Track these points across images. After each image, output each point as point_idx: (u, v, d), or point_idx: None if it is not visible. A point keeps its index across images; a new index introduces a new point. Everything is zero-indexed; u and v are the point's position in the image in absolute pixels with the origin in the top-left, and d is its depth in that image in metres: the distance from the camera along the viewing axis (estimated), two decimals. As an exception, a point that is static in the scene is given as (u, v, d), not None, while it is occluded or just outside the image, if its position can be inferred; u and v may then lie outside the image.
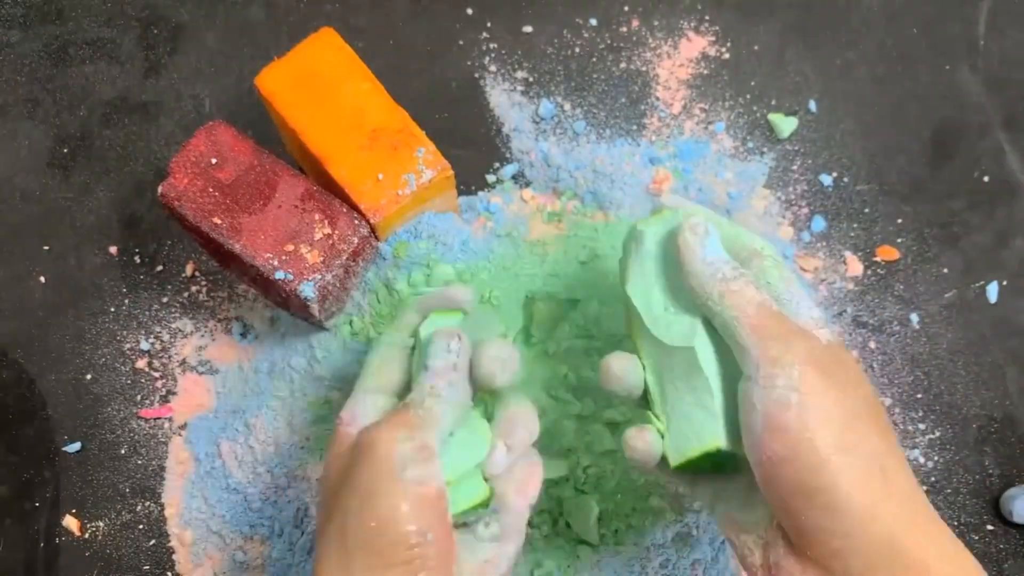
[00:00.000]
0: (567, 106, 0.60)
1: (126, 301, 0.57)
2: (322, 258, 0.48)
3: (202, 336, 0.56)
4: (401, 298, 0.51)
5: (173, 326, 0.56)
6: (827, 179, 0.58)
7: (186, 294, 0.57)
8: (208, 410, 0.54)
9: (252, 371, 0.54)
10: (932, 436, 0.54)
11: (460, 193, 0.57)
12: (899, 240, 0.57)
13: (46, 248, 0.58)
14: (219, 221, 0.48)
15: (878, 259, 0.57)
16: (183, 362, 0.56)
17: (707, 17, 0.62)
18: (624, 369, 0.40)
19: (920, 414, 0.54)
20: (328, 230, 0.48)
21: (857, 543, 0.33)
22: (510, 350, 0.40)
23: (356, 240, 0.49)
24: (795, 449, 0.33)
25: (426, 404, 0.37)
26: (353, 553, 0.34)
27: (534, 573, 0.50)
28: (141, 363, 0.56)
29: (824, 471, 0.33)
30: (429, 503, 0.35)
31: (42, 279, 0.57)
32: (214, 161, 0.49)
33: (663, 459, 0.39)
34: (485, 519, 0.39)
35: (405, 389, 0.42)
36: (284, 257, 0.48)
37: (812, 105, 0.60)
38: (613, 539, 0.50)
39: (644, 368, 0.40)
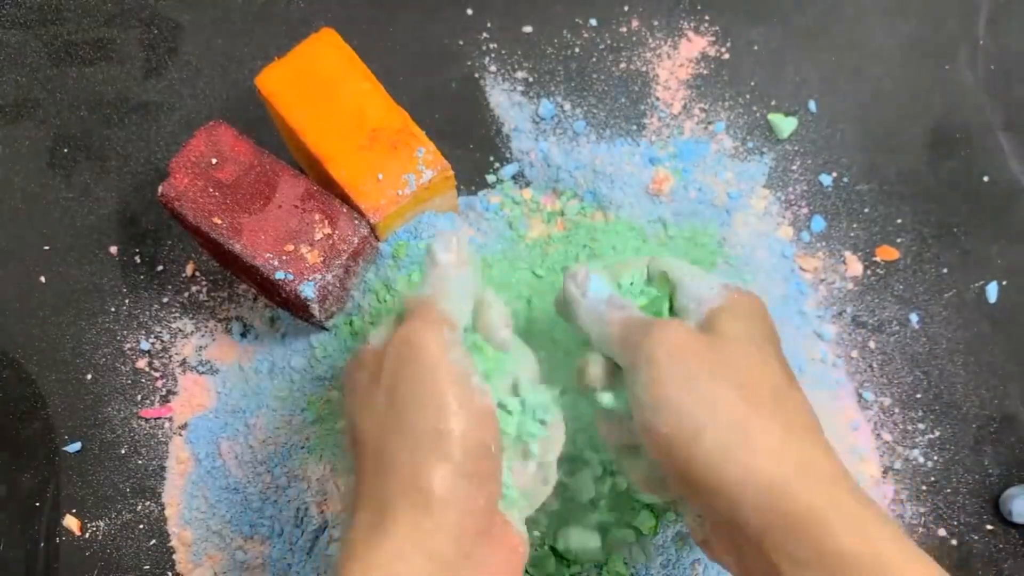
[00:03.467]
0: (567, 106, 0.60)
1: (126, 301, 0.57)
2: (322, 258, 0.48)
3: (202, 336, 0.56)
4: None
5: (173, 326, 0.56)
6: (827, 179, 0.58)
7: (186, 294, 0.57)
8: (208, 410, 0.54)
9: (252, 371, 0.54)
10: (932, 436, 0.54)
11: (460, 193, 0.57)
12: (899, 240, 0.57)
13: (46, 248, 0.58)
14: (219, 221, 0.48)
15: (878, 259, 0.57)
16: (183, 362, 0.56)
17: (707, 17, 0.62)
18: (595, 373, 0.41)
19: (920, 414, 0.54)
20: (328, 230, 0.48)
21: (739, 506, 0.34)
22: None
23: (356, 240, 0.49)
24: (658, 445, 0.35)
25: (445, 300, 0.38)
26: (421, 457, 0.34)
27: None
28: (141, 363, 0.56)
29: (681, 457, 0.35)
30: (488, 414, 0.36)
31: (42, 279, 0.57)
32: (214, 161, 0.49)
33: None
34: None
35: None
36: (284, 257, 0.48)
37: (812, 105, 0.60)
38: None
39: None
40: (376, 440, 0.36)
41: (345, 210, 0.49)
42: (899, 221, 0.58)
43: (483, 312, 0.40)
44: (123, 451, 0.54)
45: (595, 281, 0.40)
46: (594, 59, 0.61)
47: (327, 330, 0.53)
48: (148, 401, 0.55)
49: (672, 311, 0.41)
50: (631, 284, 0.43)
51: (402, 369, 0.36)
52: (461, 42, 0.61)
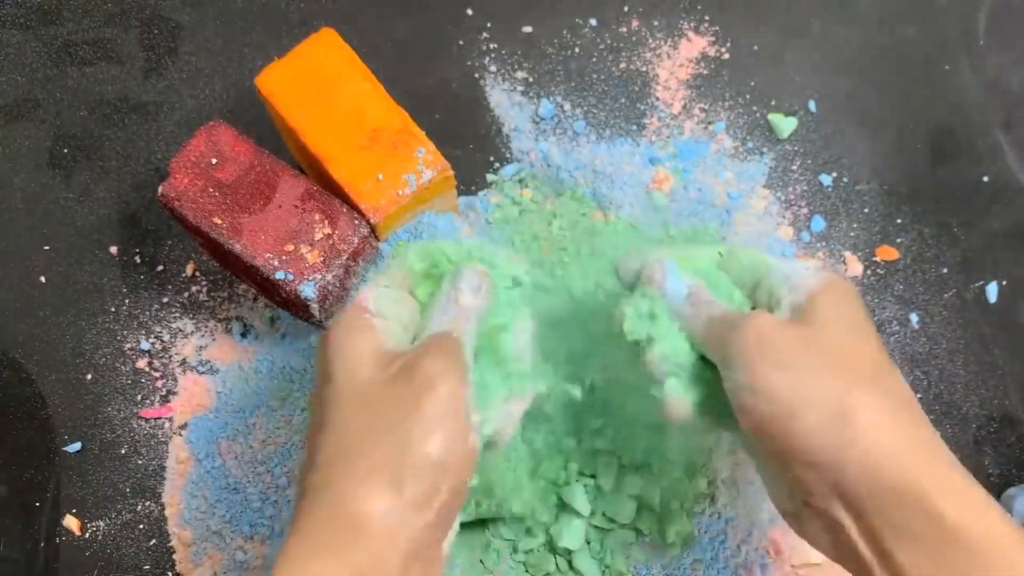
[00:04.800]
0: (567, 106, 0.60)
1: (126, 301, 0.57)
2: (322, 258, 0.48)
3: (202, 336, 0.56)
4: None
5: (173, 326, 0.56)
6: (827, 179, 0.58)
7: (186, 294, 0.57)
8: (208, 410, 0.54)
9: (252, 371, 0.54)
10: (932, 436, 0.54)
11: (460, 193, 0.57)
12: (899, 240, 0.57)
13: (46, 248, 0.58)
14: (219, 221, 0.48)
15: (878, 259, 0.57)
16: (183, 362, 0.56)
17: (707, 17, 0.62)
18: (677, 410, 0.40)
19: (920, 414, 0.54)
20: (328, 230, 0.48)
21: (839, 483, 0.34)
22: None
23: (356, 240, 0.49)
24: (756, 425, 0.36)
25: (458, 335, 0.38)
26: (405, 478, 0.34)
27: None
28: (141, 363, 0.56)
29: (785, 439, 0.35)
30: (474, 453, 0.36)
31: (42, 279, 0.57)
32: (214, 161, 0.49)
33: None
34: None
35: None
36: (284, 257, 0.48)
37: (812, 105, 0.60)
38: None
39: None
40: (356, 443, 0.35)
41: (345, 210, 0.49)
42: (899, 221, 0.58)
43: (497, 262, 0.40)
44: (123, 451, 0.54)
45: (672, 279, 0.40)
46: (594, 59, 0.61)
47: (327, 330, 0.53)
48: (148, 401, 0.55)
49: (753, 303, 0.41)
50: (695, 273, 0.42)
51: (415, 402, 0.35)
52: (461, 42, 0.61)
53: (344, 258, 0.48)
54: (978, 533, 0.33)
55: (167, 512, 0.53)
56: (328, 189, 0.50)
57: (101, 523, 0.53)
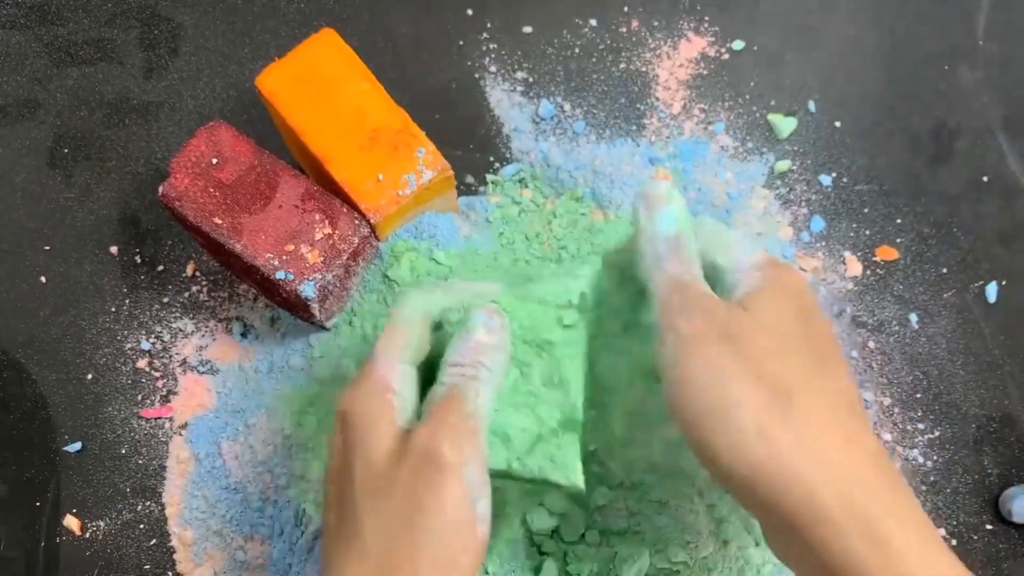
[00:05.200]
0: (567, 106, 0.60)
1: (126, 301, 0.57)
2: (322, 258, 0.48)
3: (202, 336, 0.56)
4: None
5: (174, 326, 0.56)
6: (827, 179, 0.58)
7: (187, 294, 0.57)
8: (208, 410, 0.54)
9: (252, 371, 0.54)
10: (931, 436, 0.54)
11: (460, 193, 0.57)
12: (898, 240, 0.57)
13: (46, 248, 0.58)
14: (220, 221, 0.48)
15: (877, 259, 0.57)
16: (183, 362, 0.56)
17: (707, 17, 0.62)
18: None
19: (919, 414, 0.54)
20: (328, 230, 0.48)
21: (764, 501, 0.33)
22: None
23: (356, 240, 0.49)
24: (679, 423, 0.34)
25: (473, 397, 0.37)
26: (413, 564, 0.34)
27: None
28: (142, 363, 0.56)
29: (702, 442, 0.34)
30: (483, 543, 0.36)
31: (42, 279, 0.57)
32: (214, 161, 0.49)
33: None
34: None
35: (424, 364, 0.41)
36: (285, 257, 0.48)
37: (812, 105, 0.60)
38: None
39: None
40: (373, 541, 0.35)
41: (345, 210, 0.49)
42: (899, 221, 0.58)
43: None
44: (123, 451, 0.54)
45: (667, 211, 0.38)
46: (594, 59, 0.61)
47: (327, 330, 0.53)
48: (148, 401, 0.55)
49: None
50: None
51: (426, 496, 0.35)
52: (461, 42, 0.61)
53: (344, 258, 0.48)
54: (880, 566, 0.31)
55: (167, 512, 0.53)
56: (328, 189, 0.50)
57: (101, 523, 0.53)
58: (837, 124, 0.60)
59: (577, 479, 0.39)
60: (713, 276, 0.38)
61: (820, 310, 0.37)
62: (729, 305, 0.36)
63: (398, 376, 0.38)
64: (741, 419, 0.33)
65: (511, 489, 0.50)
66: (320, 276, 0.48)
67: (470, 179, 0.58)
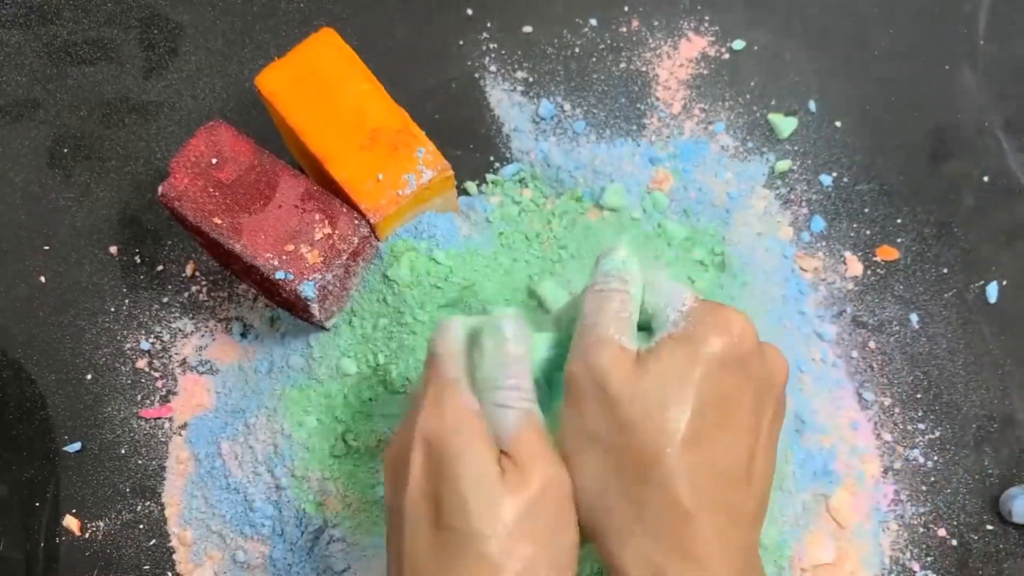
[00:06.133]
0: (567, 106, 0.60)
1: (126, 301, 0.57)
2: (322, 258, 0.48)
3: (202, 336, 0.56)
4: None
5: (173, 326, 0.56)
6: (827, 179, 0.58)
7: (186, 294, 0.57)
8: (208, 410, 0.54)
9: (252, 371, 0.54)
10: (932, 436, 0.54)
11: (460, 193, 0.57)
12: (899, 240, 0.57)
13: (46, 248, 0.58)
14: (219, 221, 0.48)
15: (878, 259, 0.57)
16: (183, 362, 0.56)
17: (707, 17, 0.62)
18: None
19: (920, 414, 0.54)
20: (328, 230, 0.48)
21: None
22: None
23: (356, 240, 0.49)
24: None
25: (505, 405, 0.36)
26: (444, 556, 0.34)
27: None
28: (141, 363, 0.56)
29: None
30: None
31: (42, 279, 0.57)
32: (214, 161, 0.49)
33: None
34: None
35: None
36: (284, 257, 0.48)
37: (812, 105, 0.60)
38: None
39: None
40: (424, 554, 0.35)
41: (345, 210, 0.49)
42: (899, 221, 0.58)
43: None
44: (123, 451, 0.54)
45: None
46: (594, 59, 0.61)
47: (327, 330, 0.53)
48: (148, 401, 0.55)
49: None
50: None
51: (556, 519, 0.35)
52: (461, 42, 0.61)
53: (344, 258, 0.48)
54: None
55: (167, 512, 0.53)
56: (328, 189, 0.50)
57: (101, 523, 0.53)
58: (837, 124, 0.60)
59: None
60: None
61: (745, 356, 0.35)
62: (627, 367, 0.35)
63: (473, 398, 0.37)
64: (606, 506, 0.34)
65: None
66: (320, 276, 0.48)
67: (470, 179, 0.58)
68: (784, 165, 0.58)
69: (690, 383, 0.33)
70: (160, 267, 0.58)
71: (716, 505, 0.33)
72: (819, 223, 0.57)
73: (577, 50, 0.61)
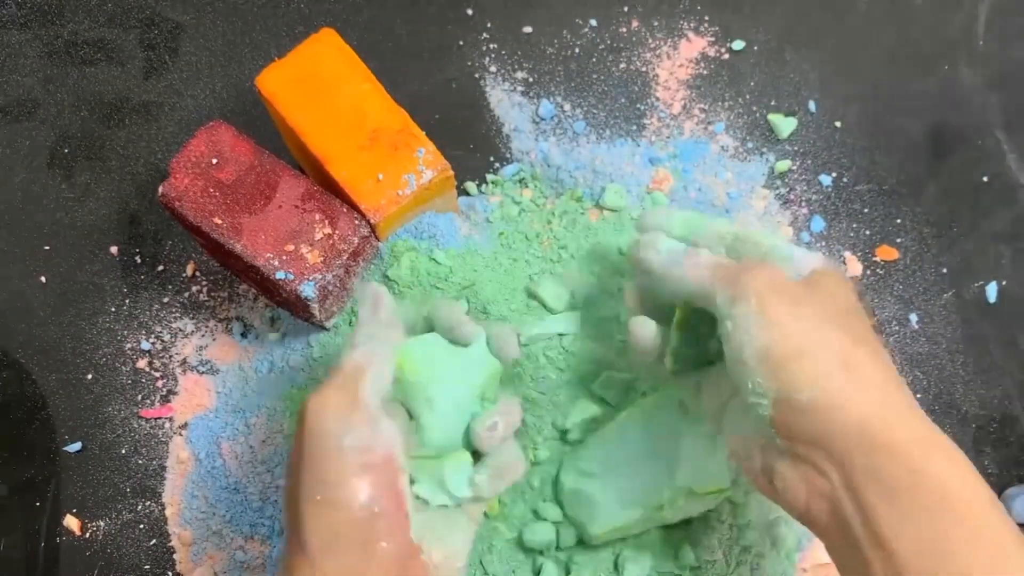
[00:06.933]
0: (567, 106, 0.60)
1: (127, 301, 0.57)
2: (322, 258, 0.48)
3: (202, 336, 0.56)
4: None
5: (174, 326, 0.56)
6: (826, 179, 0.58)
7: (187, 294, 0.57)
8: (208, 410, 0.54)
9: (252, 371, 0.54)
10: (932, 436, 0.54)
11: (460, 193, 0.57)
12: (898, 240, 0.57)
13: (46, 248, 0.58)
14: (219, 221, 0.48)
15: (877, 259, 0.57)
16: (184, 362, 0.56)
17: (707, 17, 0.62)
18: (642, 332, 0.43)
19: (920, 414, 0.54)
20: (328, 230, 0.48)
21: (830, 431, 0.35)
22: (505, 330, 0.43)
23: (356, 240, 0.49)
24: (767, 363, 0.36)
25: (355, 356, 0.38)
26: (309, 533, 0.35)
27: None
28: (142, 363, 0.56)
29: (786, 376, 0.35)
30: (375, 471, 0.36)
31: (42, 279, 0.57)
32: (214, 161, 0.49)
33: (667, 359, 0.43)
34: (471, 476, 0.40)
35: None
36: (284, 257, 0.48)
37: (812, 105, 0.60)
38: None
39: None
40: (285, 517, 0.37)
41: (345, 210, 0.49)
42: (899, 221, 0.58)
43: (439, 314, 0.41)
44: (123, 451, 0.54)
45: (662, 236, 0.43)
46: (594, 59, 0.61)
47: (327, 330, 0.53)
48: (148, 401, 0.55)
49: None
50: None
51: (298, 441, 0.36)
52: (461, 42, 0.61)
53: (344, 258, 0.48)
54: (962, 496, 0.33)
55: (167, 512, 0.53)
56: (328, 189, 0.50)
57: (101, 523, 0.53)
58: (837, 124, 0.60)
59: None
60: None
61: (863, 311, 0.40)
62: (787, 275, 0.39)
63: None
64: (829, 355, 0.35)
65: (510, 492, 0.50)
66: (320, 276, 0.48)
67: (470, 179, 0.58)
68: (784, 165, 0.58)
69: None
70: (160, 267, 0.58)
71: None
72: (819, 223, 0.57)
73: (577, 50, 0.61)
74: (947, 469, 0.34)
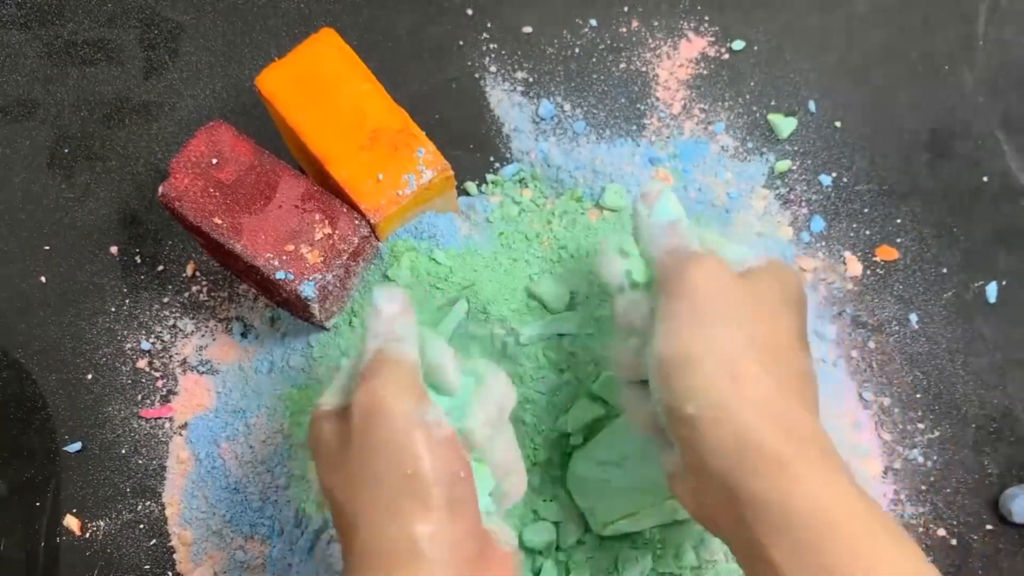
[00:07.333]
0: (567, 106, 0.60)
1: (126, 301, 0.57)
2: (322, 258, 0.48)
3: (202, 336, 0.56)
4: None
5: (174, 326, 0.56)
6: (826, 179, 0.58)
7: (187, 294, 0.57)
8: (208, 410, 0.54)
9: (252, 371, 0.54)
10: (931, 436, 0.54)
11: (460, 193, 0.57)
12: (898, 240, 0.57)
13: (46, 248, 0.58)
14: (219, 221, 0.48)
15: (877, 259, 0.57)
16: (184, 362, 0.56)
17: (707, 17, 0.62)
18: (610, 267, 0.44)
19: (919, 414, 0.54)
20: (328, 230, 0.48)
21: (713, 447, 0.35)
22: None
23: (356, 240, 0.49)
24: (655, 368, 0.37)
25: (396, 350, 0.38)
26: (398, 505, 0.35)
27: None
28: (142, 363, 0.56)
29: (674, 386, 0.36)
30: (451, 444, 0.37)
31: (42, 279, 0.57)
32: (214, 161, 0.49)
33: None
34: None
35: None
36: (284, 257, 0.48)
37: (812, 105, 0.60)
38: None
39: None
40: (354, 501, 0.36)
41: (345, 210, 0.49)
42: (899, 221, 0.58)
43: (425, 348, 0.41)
44: (123, 451, 0.54)
45: (662, 204, 0.42)
46: (594, 59, 0.61)
47: (327, 330, 0.53)
48: (148, 401, 0.55)
49: None
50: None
51: (370, 427, 0.36)
52: (461, 42, 0.61)
53: (344, 258, 0.48)
54: (833, 510, 0.33)
55: (167, 512, 0.53)
56: (328, 189, 0.50)
57: (101, 523, 0.53)
58: (837, 124, 0.60)
59: None
60: None
61: (806, 298, 0.40)
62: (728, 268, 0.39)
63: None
64: (715, 368, 0.35)
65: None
66: (320, 276, 0.48)
67: (470, 179, 0.58)
68: (784, 165, 0.58)
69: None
70: (160, 267, 0.58)
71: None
72: (819, 223, 0.57)
73: (577, 50, 0.61)
74: (821, 486, 0.34)
